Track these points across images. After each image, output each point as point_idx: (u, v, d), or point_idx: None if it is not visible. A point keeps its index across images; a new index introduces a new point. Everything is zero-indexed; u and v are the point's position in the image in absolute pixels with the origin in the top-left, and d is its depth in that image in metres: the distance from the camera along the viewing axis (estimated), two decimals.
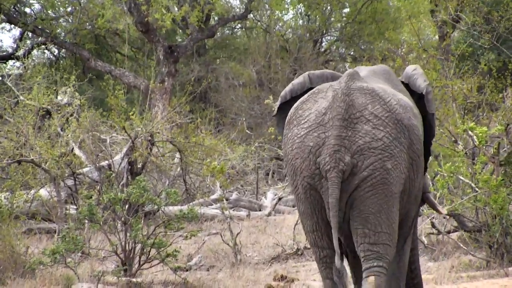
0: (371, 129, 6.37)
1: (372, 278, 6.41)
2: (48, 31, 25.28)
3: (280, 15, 28.22)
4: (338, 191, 6.29)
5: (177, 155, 17.19)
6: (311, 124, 6.51)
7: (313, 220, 6.59)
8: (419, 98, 7.21)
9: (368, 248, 6.44)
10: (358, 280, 7.06)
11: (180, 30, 28.72)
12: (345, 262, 6.91)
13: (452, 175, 11.00)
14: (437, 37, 24.83)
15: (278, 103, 7.41)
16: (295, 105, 6.81)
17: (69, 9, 27.08)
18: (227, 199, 16.81)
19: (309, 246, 12.63)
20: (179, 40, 28.30)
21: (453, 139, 12.26)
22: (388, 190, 6.39)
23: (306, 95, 6.81)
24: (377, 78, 7.07)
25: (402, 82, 7.41)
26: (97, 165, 15.83)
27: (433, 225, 11.96)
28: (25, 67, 21.40)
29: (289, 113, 6.81)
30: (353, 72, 6.67)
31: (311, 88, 7.08)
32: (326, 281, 6.71)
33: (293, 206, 18.30)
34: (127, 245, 10.40)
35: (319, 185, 6.44)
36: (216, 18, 27.24)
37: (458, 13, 20.14)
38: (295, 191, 6.65)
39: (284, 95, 7.39)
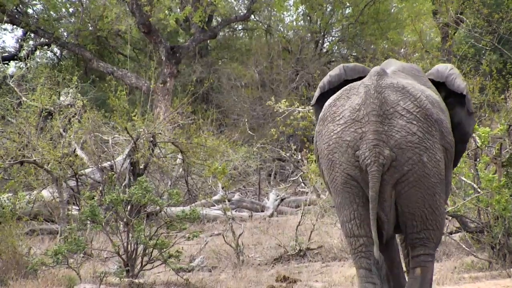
0: (405, 123, 6.63)
1: (418, 271, 6.78)
2: (50, 32, 25.31)
3: (282, 16, 28.24)
4: (378, 184, 6.54)
5: (179, 156, 17.20)
6: (347, 120, 6.74)
7: (351, 210, 6.80)
8: (447, 96, 7.49)
9: (416, 237, 6.80)
10: (392, 275, 7.51)
11: (183, 31, 28.74)
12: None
13: (454, 176, 11.00)
14: (439, 38, 24.82)
15: (317, 94, 7.71)
16: (328, 102, 7.04)
17: (71, 10, 27.12)
18: (229, 200, 16.83)
19: (310, 248, 12.66)
20: (181, 41, 28.32)
21: None
22: (428, 182, 6.68)
23: (338, 92, 7.03)
24: (405, 74, 7.33)
25: (430, 80, 7.64)
26: (99, 166, 15.85)
27: None
28: (27, 68, 21.41)
29: (323, 110, 7.05)
30: (380, 69, 6.90)
31: (346, 80, 7.50)
32: (360, 271, 6.87)
33: (296, 207, 18.31)
34: (129, 246, 10.41)
35: (359, 177, 6.68)
36: (218, 19, 27.27)
37: (459, 15, 20.15)
38: (332, 184, 6.88)
39: (322, 86, 7.70)
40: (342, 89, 7.04)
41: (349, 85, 7.02)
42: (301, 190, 20.10)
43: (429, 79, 7.65)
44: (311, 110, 15.02)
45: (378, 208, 6.63)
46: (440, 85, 7.62)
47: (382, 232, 6.84)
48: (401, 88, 6.78)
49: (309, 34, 28.18)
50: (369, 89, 6.72)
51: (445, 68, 7.72)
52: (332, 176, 6.84)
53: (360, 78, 7.34)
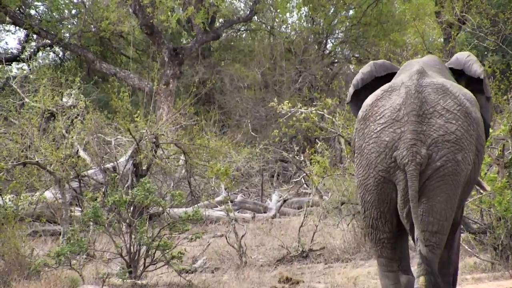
0: (444, 123, 6.75)
1: (423, 280, 6.79)
2: (53, 33, 25.30)
3: (285, 17, 28.21)
4: (417, 183, 6.65)
5: (182, 157, 17.20)
6: (387, 120, 6.86)
7: (380, 209, 6.97)
8: (467, 83, 7.58)
9: (428, 238, 6.79)
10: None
11: (185, 32, 28.74)
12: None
13: None
14: (442, 39, 24.80)
15: (351, 91, 7.83)
16: (369, 102, 7.12)
17: (74, 11, 27.12)
18: (232, 201, 16.83)
19: (312, 249, 12.66)
20: (184, 42, 28.32)
21: None
22: (457, 180, 6.77)
23: (379, 92, 7.12)
24: (436, 70, 7.45)
25: (451, 69, 7.80)
26: (102, 167, 15.86)
27: None
28: (30, 69, 21.43)
29: (365, 110, 7.12)
30: (421, 68, 7.02)
31: (377, 77, 7.70)
32: (380, 259, 7.09)
33: (298, 208, 18.30)
34: (132, 247, 10.41)
35: (394, 177, 6.80)
36: (221, 20, 27.26)
37: (464, 14, 20.12)
38: (364, 182, 7.00)
39: (356, 83, 7.80)
40: (382, 89, 7.16)
41: (389, 84, 7.15)
42: (303, 191, 20.09)
43: (450, 68, 7.81)
44: (313, 111, 15.01)
45: (404, 205, 6.76)
46: (460, 73, 7.76)
47: (404, 227, 6.97)
48: (441, 86, 6.93)
49: (312, 35, 28.15)
50: (410, 89, 6.86)
51: (463, 56, 7.85)
52: (367, 174, 6.97)
53: (388, 75, 7.60)
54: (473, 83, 7.58)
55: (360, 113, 7.19)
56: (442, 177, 6.73)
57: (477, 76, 7.54)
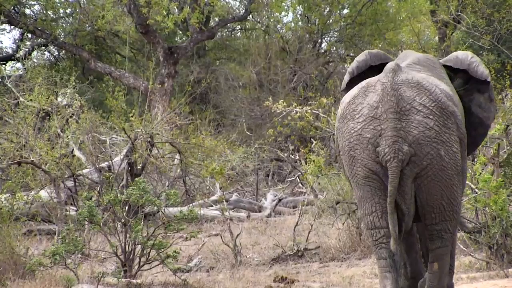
0: (422, 118, 6.88)
1: (436, 266, 7.09)
2: (48, 32, 25.28)
3: (280, 16, 28.21)
4: (397, 180, 6.81)
5: (177, 156, 17.19)
6: (366, 118, 6.99)
7: (372, 203, 7.08)
8: (466, 82, 7.78)
9: (434, 228, 7.10)
10: (409, 259, 7.79)
11: (180, 32, 28.72)
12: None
13: None
14: (436, 38, 24.83)
15: (346, 79, 8.00)
16: (347, 100, 7.26)
17: (69, 10, 27.10)
18: (227, 200, 16.83)
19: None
20: (179, 41, 28.30)
21: None
22: (446, 174, 6.95)
23: (355, 90, 7.24)
24: (420, 67, 7.56)
25: (445, 66, 7.94)
26: (97, 166, 15.84)
27: None
28: (25, 68, 21.40)
29: (343, 108, 7.27)
30: (395, 65, 7.10)
31: (371, 66, 7.87)
32: (381, 261, 7.12)
33: (293, 207, 18.32)
34: (127, 246, 10.41)
35: (380, 172, 6.95)
36: (216, 19, 27.25)
37: (459, 13, 20.15)
38: (354, 178, 7.15)
39: (351, 71, 7.98)
40: (359, 86, 7.27)
41: (366, 82, 7.25)
42: (298, 190, 20.10)
43: (446, 65, 7.93)
44: (308, 111, 15.01)
45: (400, 201, 6.92)
46: (458, 72, 7.88)
47: (402, 224, 7.07)
48: (416, 83, 7.01)
49: (307, 35, 28.14)
50: (385, 86, 6.95)
51: (465, 56, 7.94)
52: (354, 171, 7.11)
53: (381, 65, 7.65)
54: (477, 84, 7.72)
55: (339, 111, 7.33)
56: (431, 176, 6.90)
57: (483, 79, 7.68)
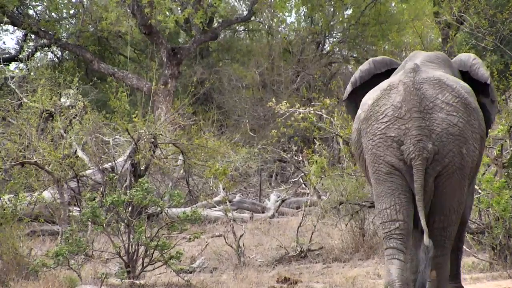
0: (446, 116, 6.96)
1: (434, 274, 7.12)
2: (51, 33, 25.31)
3: (283, 17, 28.22)
4: (423, 177, 6.88)
5: (180, 157, 17.19)
6: (390, 118, 7.07)
7: (392, 198, 7.10)
8: (471, 85, 7.67)
9: (440, 233, 7.13)
10: (417, 254, 7.62)
11: (183, 32, 28.73)
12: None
13: None
14: (440, 39, 24.81)
15: (348, 89, 8.07)
16: (370, 102, 7.31)
17: (72, 11, 27.11)
18: (230, 201, 16.83)
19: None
20: (182, 42, 28.31)
21: None
22: (462, 173, 7.03)
23: (379, 92, 7.30)
24: (434, 65, 7.61)
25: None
26: (100, 167, 15.84)
27: None
28: (28, 69, 21.41)
29: (366, 110, 7.31)
30: (415, 65, 7.18)
31: (376, 74, 7.96)
32: (388, 250, 7.13)
33: (296, 208, 18.32)
34: (130, 247, 10.41)
35: (403, 169, 7.01)
36: (219, 20, 27.26)
37: (462, 14, 20.13)
38: (375, 175, 7.20)
39: (354, 81, 8.07)
40: (380, 87, 7.34)
41: (387, 83, 7.31)
42: (302, 191, 20.09)
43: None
44: (312, 111, 15.00)
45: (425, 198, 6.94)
46: (462, 74, 7.92)
47: (415, 219, 7.11)
48: (438, 81, 7.11)
49: (310, 35, 28.16)
50: (407, 86, 7.05)
51: (468, 58, 8.03)
52: (376, 167, 7.15)
53: (388, 71, 7.80)
54: (478, 86, 7.73)
55: (362, 113, 7.35)
56: (450, 174, 6.95)
57: (484, 81, 7.71)
